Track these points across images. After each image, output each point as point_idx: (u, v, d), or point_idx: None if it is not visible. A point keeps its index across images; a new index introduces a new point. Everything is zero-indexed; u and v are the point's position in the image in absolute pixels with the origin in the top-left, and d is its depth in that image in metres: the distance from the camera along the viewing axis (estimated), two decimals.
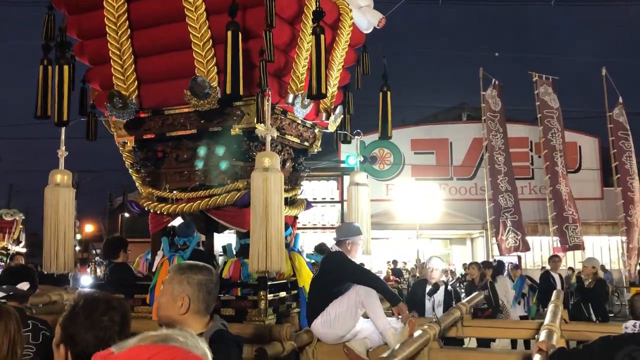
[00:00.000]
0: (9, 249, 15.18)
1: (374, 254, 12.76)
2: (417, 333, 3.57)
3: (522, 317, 8.94)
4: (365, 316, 4.01)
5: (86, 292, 1.85)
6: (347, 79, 5.36)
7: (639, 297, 3.73)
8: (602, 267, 16.85)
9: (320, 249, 5.74)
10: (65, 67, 4.39)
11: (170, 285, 2.14)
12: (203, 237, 5.43)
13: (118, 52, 4.43)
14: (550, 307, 4.49)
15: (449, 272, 18.93)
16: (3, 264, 13.48)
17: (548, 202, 18.35)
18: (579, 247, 17.39)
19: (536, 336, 3.85)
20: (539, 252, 20.26)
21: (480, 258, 20.17)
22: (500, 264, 9.93)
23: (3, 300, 2.87)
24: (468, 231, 22.00)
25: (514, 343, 8.01)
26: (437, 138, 21.71)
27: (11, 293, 3.04)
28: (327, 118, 5.13)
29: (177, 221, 4.73)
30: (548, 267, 10.62)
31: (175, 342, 0.96)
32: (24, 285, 3.01)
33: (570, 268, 16.67)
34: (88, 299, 1.78)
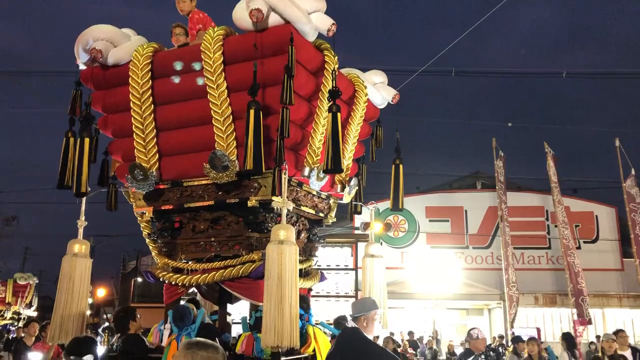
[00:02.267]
0: (21, 313, 15.12)
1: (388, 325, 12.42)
2: None
3: None
4: None
5: None
6: (361, 151, 5.47)
7: None
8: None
9: (339, 322, 5.63)
10: (87, 140, 4.54)
11: None
12: (215, 307, 5.40)
13: (141, 126, 4.58)
14: None
15: (465, 344, 18.40)
16: (14, 328, 13.38)
17: (566, 272, 17.98)
18: (591, 321, 16.89)
19: None
20: (558, 324, 19.66)
21: (498, 329, 19.61)
22: (570, 337, 9.64)
23: None
24: (485, 302, 21.51)
25: None
26: (452, 206, 21.67)
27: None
28: (342, 190, 5.20)
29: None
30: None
31: None
32: (89, 358, 3.20)
33: (591, 342, 16.10)
34: None
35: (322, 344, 4.54)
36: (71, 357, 3.35)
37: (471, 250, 21.31)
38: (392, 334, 17.04)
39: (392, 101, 5.42)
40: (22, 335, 9.08)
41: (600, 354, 9.03)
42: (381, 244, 18.02)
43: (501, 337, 17.22)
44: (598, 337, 15.92)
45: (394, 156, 5.36)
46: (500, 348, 15.84)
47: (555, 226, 19.13)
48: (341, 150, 4.09)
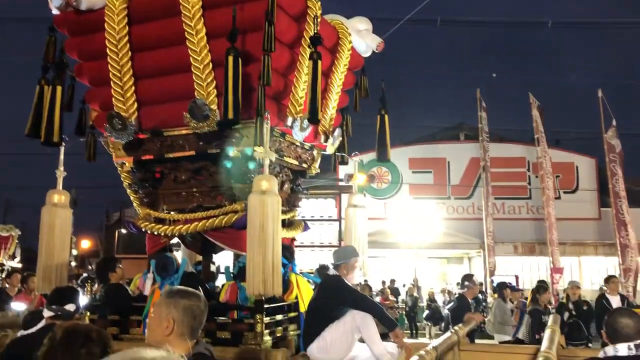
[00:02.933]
0: (4, 265, 15.09)
1: (370, 273, 12.71)
2: (414, 359, 3.55)
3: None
4: (362, 341, 3.98)
5: (67, 324, 1.86)
6: (345, 101, 5.40)
7: (620, 315, 2.86)
8: (600, 289, 16.85)
9: (321, 270, 5.71)
10: (59, 88, 4.42)
11: (159, 308, 2.27)
12: (199, 258, 5.42)
13: (118, 74, 4.45)
14: (547, 332, 4.48)
15: (446, 291, 18.90)
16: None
17: (546, 222, 18.35)
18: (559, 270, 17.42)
19: None
20: (536, 272, 20.23)
21: (478, 277, 20.15)
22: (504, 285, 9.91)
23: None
24: (466, 250, 21.97)
25: None
26: (435, 157, 21.80)
27: (59, 313, 3.30)
28: (326, 140, 5.16)
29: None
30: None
31: None
32: (71, 307, 3.17)
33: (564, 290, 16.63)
34: (67, 331, 1.77)
35: (305, 291, 4.60)
36: (53, 307, 3.34)
37: (453, 200, 21.60)
38: (366, 281, 17.45)
39: (376, 49, 5.32)
40: (6, 286, 9.08)
41: (564, 301, 9.31)
42: (364, 195, 18.15)
43: (480, 284, 17.67)
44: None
45: (379, 106, 5.31)
46: (479, 295, 16.28)
47: (537, 177, 19.39)
48: (319, 99, 4.02)
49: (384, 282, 17.97)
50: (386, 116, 5.38)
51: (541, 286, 8.73)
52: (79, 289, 5.68)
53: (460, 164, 21.71)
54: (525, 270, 20.51)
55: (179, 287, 2.45)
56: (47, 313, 3.35)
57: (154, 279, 4.38)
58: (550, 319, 5.03)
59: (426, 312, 17.04)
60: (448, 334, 4.60)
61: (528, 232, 20.21)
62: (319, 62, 3.94)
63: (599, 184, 21.15)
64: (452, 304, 8.13)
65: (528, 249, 19.93)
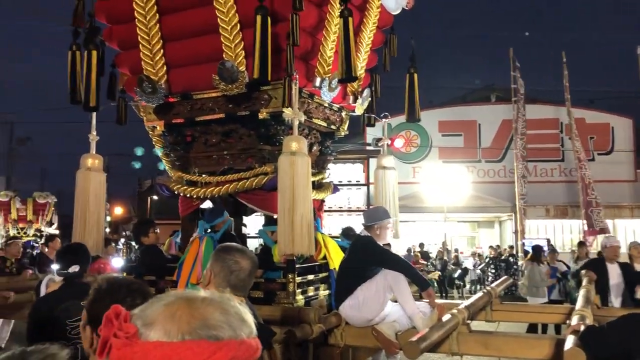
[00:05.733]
0: (43, 231, 15.59)
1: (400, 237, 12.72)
2: (445, 317, 3.56)
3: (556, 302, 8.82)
4: (394, 300, 4.01)
5: (108, 275, 1.91)
6: (374, 61, 5.30)
7: None
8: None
9: (347, 233, 5.73)
10: (94, 53, 4.43)
11: (209, 260, 2.40)
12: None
13: (147, 37, 4.45)
14: (582, 291, 4.43)
15: (476, 255, 18.84)
16: (37, 245, 13.85)
17: (579, 184, 17.98)
18: (604, 230, 17.02)
19: (567, 321, 3.80)
20: (568, 235, 19.95)
21: (509, 241, 19.98)
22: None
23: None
24: (496, 214, 21.73)
25: (544, 329, 7.93)
26: (465, 120, 21.38)
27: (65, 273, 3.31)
28: (355, 101, 5.10)
29: (207, 204, 4.79)
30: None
31: (216, 328, 0.91)
32: (75, 268, 3.23)
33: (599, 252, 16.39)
34: (110, 282, 1.83)
35: (332, 250, 4.63)
36: (58, 269, 3.39)
37: (483, 164, 21.25)
38: (389, 244, 17.41)
39: (406, 7, 5.18)
40: (45, 250, 9.39)
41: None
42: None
43: (511, 247, 17.55)
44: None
45: (408, 65, 5.20)
46: (510, 258, 16.21)
47: (570, 138, 18.92)
48: (353, 57, 3.95)
49: (411, 248, 17.94)
50: (415, 75, 5.28)
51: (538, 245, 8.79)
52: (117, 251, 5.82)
53: (491, 127, 21.25)
54: (557, 233, 20.22)
55: (229, 243, 2.52)
56: (57, 278, 3.44)
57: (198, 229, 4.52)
58: (584, 279, 4.97)
59: (458, 271, 17.08)
60: (480, 294, 4.59)
61: (560, 195, 19.83)
62: (350, 19, 3.86)
63: (635, 145, 20.55)
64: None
65: (560, 211, 19.60)
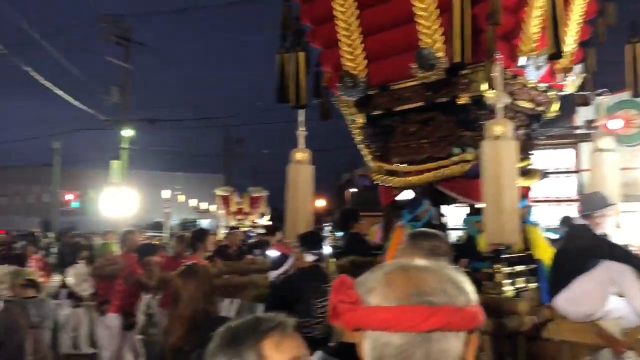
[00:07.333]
0: (256, 222, 17.24)
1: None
2: None
3: None
4: (619, 295, 3.59)
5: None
6: (587, 33, 4.81)
7: None
8: None
9: (566, 222, 5.29)
10: (301, 54, 4.75)
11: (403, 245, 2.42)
12: None
13: (347, 33, 4.63)
14: None
15: None
16: (252, 234, 15.35)
17: None
18: None
19: None
20: None
21: None
22: None
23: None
24: None
25: None
26: None
27: (318, 257, 3.83)
28: (564, 79, 4.68)
29: (406, 194, 4.83)
30: None
31: (430, 294, 0.95)
32: (326, 250, 3.63)
33: None
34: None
35: (537, 240, 4.30)
36: (313, 251, 3.77)
37: None
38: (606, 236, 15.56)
39: None
40: (266, 239, 10.36)
41: None
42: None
43: None
44: None
45: (629, 34, 4.62)
46: None
47: None
48: (561, 32, 3.63)
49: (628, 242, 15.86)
50: (638, 44, 4.66)
51: None
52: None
53: None
54: None
55: (422, 229, 2.51)
56: (309, 257, 3.77)
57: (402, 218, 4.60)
58: None
59: None
60: None
61: None
62: None
63: None
64: None
65: None
